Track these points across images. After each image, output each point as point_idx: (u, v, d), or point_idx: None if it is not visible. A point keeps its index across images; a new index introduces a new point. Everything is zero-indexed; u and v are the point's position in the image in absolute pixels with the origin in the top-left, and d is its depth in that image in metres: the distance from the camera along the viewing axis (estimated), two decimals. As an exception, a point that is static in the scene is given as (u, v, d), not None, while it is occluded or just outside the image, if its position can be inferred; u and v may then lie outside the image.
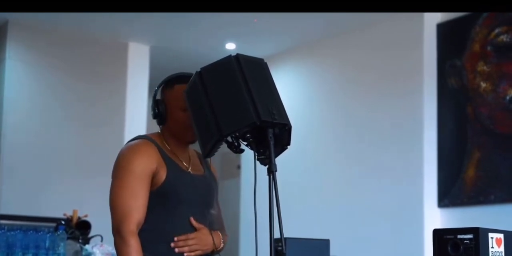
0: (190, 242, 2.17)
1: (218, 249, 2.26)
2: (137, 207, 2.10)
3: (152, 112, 2.27)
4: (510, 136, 4.44)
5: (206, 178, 2.28)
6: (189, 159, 2.27)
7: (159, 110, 2.23)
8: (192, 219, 2.20)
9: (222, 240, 2.27)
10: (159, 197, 2.16)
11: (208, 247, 2.21)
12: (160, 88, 2.29)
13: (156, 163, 2.15)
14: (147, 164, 2.14)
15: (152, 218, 2.15)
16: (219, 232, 2.28)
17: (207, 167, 2.34)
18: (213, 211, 2.29)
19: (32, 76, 5.51)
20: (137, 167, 2.13)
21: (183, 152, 2.27)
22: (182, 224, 2.18)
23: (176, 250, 2.16)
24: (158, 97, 2.27)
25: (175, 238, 2.16)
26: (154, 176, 2.15)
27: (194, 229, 2.20)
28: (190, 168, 2.24)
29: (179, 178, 2.18)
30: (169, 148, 2.23)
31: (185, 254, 2.16)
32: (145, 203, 2.13)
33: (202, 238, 2.19)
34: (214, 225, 2.30)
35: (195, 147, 2.20)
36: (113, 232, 2.12)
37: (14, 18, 5.32)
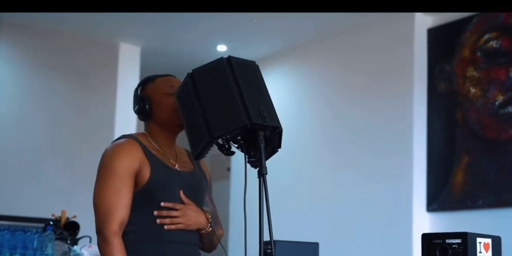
0: (174, 213, 2.14)
1: (206, 230, 2.22)
2: (119, 206, 2.08)
3: (136, 108, 2.25)
4: (498, 141, 4.46)
5: (195, 174, 2.26)
6: (176, 156, 2.25)
7: (144, 103, 2.22)
8: (181, 192, 2.17)
9: (209, 223, 2.22)
10: (145, 196, 2.13)
11: (191, 223, 2.17)
12: (140, 87, 2.29)
13: (139, 162, 2.13)
14: (129, 163, 2.12)
15: (140, 218, 2.13)
16: (208, 214, 2.24)
17: (197, 164, 2.32)
18: (206, 208, 2.27)
19: (22, 75, 5.48)
20: (119, 166, 2.11)
21: (170, 148, 2.25)
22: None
23: (158, 221, 2.13)
24: (139, 94, 2.27)
25: (162, 204, 2.13)
26: (137, 175, 2.13)
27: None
28: (177, 165, 2.22)
29: (164, 175, 2.16)
30: (155, 145, 2.22)
31: (165, 227, 2.13)
32: (128, 202, 2.10)
33: (187, 213, 2.16)
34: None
35: (186, 146, 2.19)
36: (96, 232, 2.10)
37: (5, 16, 5.29)
